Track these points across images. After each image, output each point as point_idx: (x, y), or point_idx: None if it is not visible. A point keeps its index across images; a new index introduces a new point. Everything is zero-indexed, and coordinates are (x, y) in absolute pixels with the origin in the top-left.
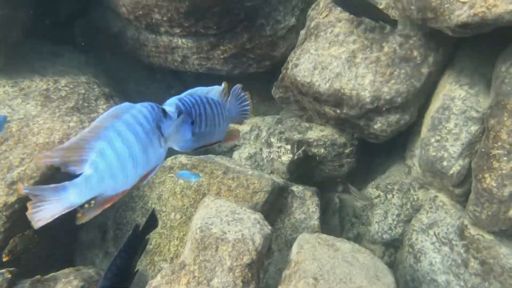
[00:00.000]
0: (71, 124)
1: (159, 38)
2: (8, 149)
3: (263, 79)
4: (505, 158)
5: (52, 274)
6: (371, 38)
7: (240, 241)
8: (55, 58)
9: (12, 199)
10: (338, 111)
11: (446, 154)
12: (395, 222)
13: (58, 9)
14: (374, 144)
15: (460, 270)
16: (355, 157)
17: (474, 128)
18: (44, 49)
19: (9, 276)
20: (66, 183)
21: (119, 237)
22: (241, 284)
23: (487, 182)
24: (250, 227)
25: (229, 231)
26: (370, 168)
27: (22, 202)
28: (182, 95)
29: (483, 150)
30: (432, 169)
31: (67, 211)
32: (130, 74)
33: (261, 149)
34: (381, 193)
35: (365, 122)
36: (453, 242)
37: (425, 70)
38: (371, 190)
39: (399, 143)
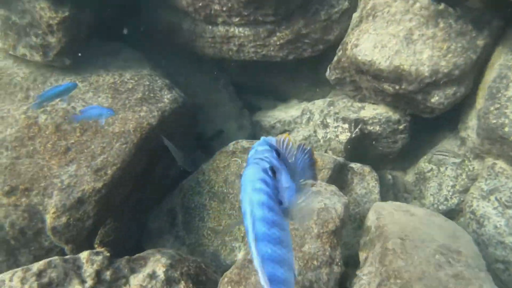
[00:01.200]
0: (142, 113)
1: (215, 28)
2: (88, 139)
3: (309, 64)
4: None
5: (137, 255)
6: (426, 16)
7: (323, 210)
8: (115, 55)
9: (99, 184)
10: (397, 87)
11: (507, 121)
12: (450, 193)
13: (114, 8)
14: (423, 121)
15: None
16: (408, 133)
17: None
18: (104, 47)
19: (108, 254)
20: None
21: (188, 221)
22: (329, 249)
23: None
24: (330, 197)
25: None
26: (420, 145)
27: (109, 187)
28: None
29: None
30: (492, 136)
31: None
32: (179, 68)
33: (315, 131)
34: (434, 167)
35: (422, 96)
36: None
37: (480, 42)
38: (423, 164)
39: (447, 119)
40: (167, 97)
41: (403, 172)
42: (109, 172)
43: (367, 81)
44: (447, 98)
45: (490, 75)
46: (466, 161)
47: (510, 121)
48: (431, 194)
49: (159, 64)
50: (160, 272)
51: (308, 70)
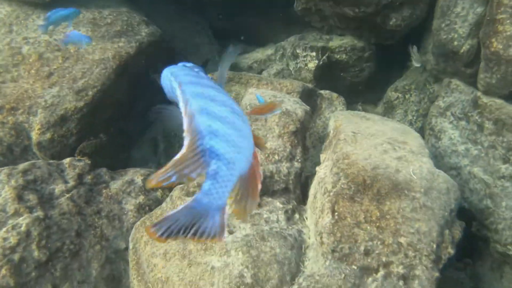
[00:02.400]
0: (120, 44)
1: None
2: (70, 66)
3: (283, 3)
4: (508, 21)
5: (119, 170)
6: None
7: (284, 114)
8: None
9: (81, 104)
10: (356, 10)
11: (456, 35)
12: (414, 118)
13: None
14: (390, 55)
15: (476, 136)
16: (374, 62)
17: (480, 9)
18: None
19: (89, 162)
20: (196, 196)
21: (169, 149)
22: (290, 147)
23: (494, 46)
24: (292, 105)
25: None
26: (388, 77)
27: (90, 107)
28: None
29: (488, 18)
30: (444, 52)
31: (224, 221)
32: (160, 12)
33: (287, 64)
34: (400, 95)
35: (381, 19)
36: (469, 114)
37: None
38: (390, 93)
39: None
40: (144, 31)
41: (373, 105)
42: (90, 93)
43: (330, 6)
44: (404, 20)
45: None
46: (427, 85)
47: (459, 35)
48: (398, 121)
49: (140, 6)
50: (138, 179)
51: (282, 11)
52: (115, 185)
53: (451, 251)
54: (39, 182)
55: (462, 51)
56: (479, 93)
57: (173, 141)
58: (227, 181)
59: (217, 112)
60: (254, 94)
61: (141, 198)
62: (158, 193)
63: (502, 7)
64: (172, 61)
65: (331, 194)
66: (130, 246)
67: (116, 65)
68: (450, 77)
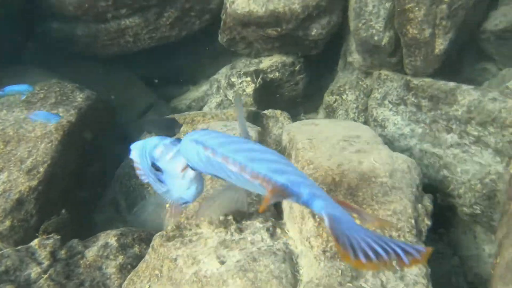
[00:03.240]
0: (59, 114)
1: (108, 25)
2: (13, 148)
3: (206, 39)
4: (417, 8)
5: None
6: None
7: None
8: (21, 75)
9: (34, 182)
10: (279, 29)
11: (374, 31)
12: (356, 114)
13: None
14: (319, 64)
15: (417, 116)
16: (306, 73)
17: (388, 4)
18: (8, 71)
19: (58, 237)
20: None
21: (131, 204)
22: None
23: (410, 32)
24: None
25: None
26: (322, 84)
27: (44, 183)
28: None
29: (398, 9)
30: (367, 48)
31: None
32: (87, 74)
33: (225, 95)
34: (337, 97)
35: (303, 32)
36: (405, 98)
37: None
38: (327, 98)
39: (337, 57)
40: (80, 97)
41: (315, 113)
42: (41, 169)
43: (253, 31)
44: (323, 28)
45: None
46: (360, 81)
47: (377, 30)
48: (343, 120)
49: (66, 75)
50: (113, 241)
51: (207, 45)
52: (91, 253)
53: (428, 222)
54: (12, 272)
55: (383, 43)
56: (408, 77)
57: (133, 195)
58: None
59: (262, 156)
60: (203, 127)
61: (120, 258)
62: (136, 249)
63: None
64: (113, 119)
65: None
66: None
67: (60, 136)
68: (378, 69)
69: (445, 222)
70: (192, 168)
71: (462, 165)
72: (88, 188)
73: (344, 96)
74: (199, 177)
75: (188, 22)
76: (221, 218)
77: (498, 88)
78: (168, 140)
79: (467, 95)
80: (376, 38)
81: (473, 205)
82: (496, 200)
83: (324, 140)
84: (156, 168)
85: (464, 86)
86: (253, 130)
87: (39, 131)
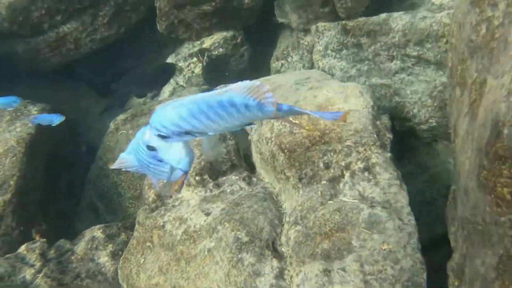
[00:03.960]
0: (18, 129)
1: (46, 36)
2: None
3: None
4: None
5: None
6: None
7: None
8: None
9: (8, 196)
10: (213, 3)
11: None
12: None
13: None
14: (260, 36)
15: (359, 55)
16: (249, 44)
17: None
18: None
19: (44, 240)
20: None
21: (108, 204)
22: None
23: None
24: None
25: None
26: (266, 52)
27: (18, 195)
28: None
29: None
30: (300, 2)
31: None
32: (37, 90)
33: (176, 82)
34: (282, 61)
35: (237, 2)
36: (345, 42)
37: None
38: (274, 64)
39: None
40: (34, 110)
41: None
42: (12, 182)
43: (189, 11)
44: None
45: None
46: (301, 40)
47: None
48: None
49: (14, 93)
50: (98, 233)
51: (149, 40)
52: (80, 248)
53: (389, 135)
54: (6, 278)
55: None
56: (344, 22)
57: (108, 195)
58: None
59: None
60: None
61: (110, 247)
62: (123, 236)
63: None
64: (71, 128)
65: (273, 138)
66: (124, 286)
67: (23, 149)
68: (314, 22)
69: (408, 146)
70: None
71: (410, 87)
72: (64, 198)
73: (289, 59)
74: (187, 144)
75: (124, 17)
76: (197, 178)
77: (426, 8)
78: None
79: (399, 20)
80: None
81: (429, 120)
82: (446, 109)
83: (278, 88)
84: (151, 148)
85: (395, 14)
86: None
87: (0, 148)
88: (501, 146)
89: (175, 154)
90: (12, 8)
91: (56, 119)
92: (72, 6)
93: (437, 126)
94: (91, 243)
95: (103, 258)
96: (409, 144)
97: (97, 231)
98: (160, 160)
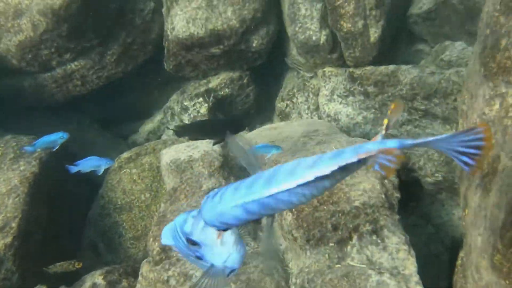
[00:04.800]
0: (22, 168)
1: (54, 73)
2: None
3: (153, 71)
4: (346, 3)
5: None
6: None
7: (206, 154)
8: None
9: (9, 239)
10: (221, 46)
11: (311, 32)
12: (309, 114)
13: None
14: (266, 76)
15: (366, 103)
16: (254, 84)
17: (319, 5)
18: None
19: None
20: None
21: (109, 244)
22: (223, 180)
23: (344, 27)
24: (207, 145)
25: (193, 154)
26: (271, 93)
27: (19, 237)
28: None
29: (330, 8)
30: (308, 49)
31: None
32: (42, 125)
33: (181, 120)
34: (288, 102)
35: (245, 45)
36: (352, 89)
37: None
38: (279, 104)
39: (280, 64)
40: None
41: (270, 122)
42: (14, 225)
43: (197, 53)
44: (263, 38)
45: (285, 7)
46: (307, 83)
47: (314, 31)
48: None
49: (19, 129)
50: (100, 280)
51: (154, 77)
52: None
53: (397, 195)
54: None
55: (321, 42)
56: (351, 69)
57: (110, 235)
58: None
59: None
60: (169, 154)
61: None
62: (124, 283)
63: None
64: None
65: None
66: None
67: (27, 189)
68: (321, 67)
69: (413, 196)
70: (226, 229)
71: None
72: (65, 236)
73: (294, 100)
74: (239, 238)
75: (132, 56)
76: None
77: (434, 62)
78: (194, 211)
79: (407, 74)
80: (314, 38)
81: (435, 174)
82: (453, 164)
83: (286, 140)
84: (192, 242)
85: (404, 66)
86: (216, 147)
87: (3, 187)
88: None
89: (222, 252)
90: (21, 47)
91: (60, 139)
92: (81, 45)
93: (443, 180)
94: None
95: None
96: (414, 193)
97: (98, 277)
98: (200, 258)
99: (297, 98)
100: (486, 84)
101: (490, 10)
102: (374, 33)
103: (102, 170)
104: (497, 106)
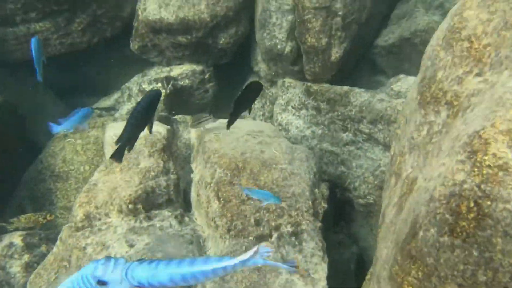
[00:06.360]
0: None
1: (16, 29)
2: None
3: (117, 49)
4: (314, 19)
5: None
6: None
7: (149, 135)
8: None
9: None
10: (189, 36)
11: (277, 40)
12: (263, 121)
13: None
14: (229, 78)
15: (317, 118)
16: (215, 81)
17: (290, 17)
18: None
19: None
20: None
21: (39, 209)
22: (162, 162)
23: (309, 41)
24: (154, 127)
25: None
26: (230, 93)
27: None
28: None
29: (298, 20)
30: (272, 56)
31: None
32: None
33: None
34: None
35: (213, 40)
36: (306, 103)
37: None
38: None
39: (245, 67)
40: None
41: None
42: None
43: (164, 38)
44: (231, 37)
45: (258, 12)
46: (266, 90)
47: (280, 40)
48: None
49: None
50: (18, 241)
51: (118, 55)
52: None
53: (324, 205)
54: None
55: (286, 52)
56: (309, 84)
57: (41, 201)
58: None
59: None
60: (114, 127)
61: (26, 257)
62: (43, 248)
63: (306, 9)
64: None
65: (212, 184)
66: None
67: None
68: (282, 77)
69: (345, 216)
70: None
71: (356, 161)
72: None
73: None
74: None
75: (100, 28)
76: (130, 206)
77: (385, 91)
78: (102, 260)
79: (359, 96)
80: (279, 47)
81: (367, 196)
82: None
83: (230, 135)
84: (102, 283)
85: (357, 89)
86: (161, 127)
87: None
88: (415, 246)
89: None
90: None
91: (89, 113)
92: (49, 7)
93: (373, 204)
94: (6, 250)
95: (16, 268)
96: (346, 213)
97: (17, 238)
98: None
99: (254, 104)
100: (418, 112)
101: (434, 44)
102: (335, 53)
103: (87, 123)
104: (424, 132)
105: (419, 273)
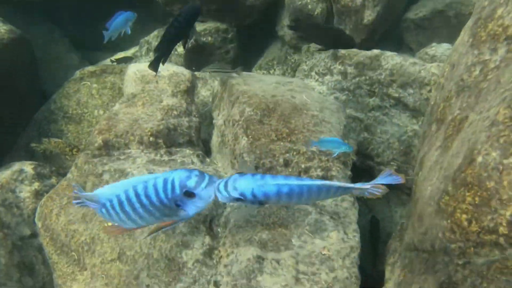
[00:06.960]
0: None
1: None
2: None
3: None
4: None
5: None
6: None
7: (174, 75)
8: None
9: None
10: None
11: (308, 0)
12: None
13: None
14: (250, 38)
15: (342, 84)
16: (237, 43)
17: None
18: None
19: None
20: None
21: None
22: (185, 104)
23: (343, 0)
24: (177, 68)
25: (162, 71)
26: (251, 58)
27: None
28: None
29: None
30: (301, 16)
31: None
32: (10, 20)
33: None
34: (264, 72)
35: None
36: (331, 68)
37: None
38: (256, 72)
39: (271, 32)
40: (3, 28)
41: None
42: None
43: None
44: None
45: None
46: (288, 56)
47: (311, 0)
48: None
49: None
50: (29, 168)
51: (141, 9)
52: (3, 175)
53: (353, 157)
54: None
55: (316, 12)
56: None
57: None
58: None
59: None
60: (137, 66)
61: (36, 185)
62: (53, 180)
63: None
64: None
65: (241, 122)
66: (39, 225)
67: None
68: (307, 43)
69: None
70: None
71: (381, 127)
72: (3, 131)
73: (271, 71)
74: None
75: None
76: (151, 139)
77: (418, 56)
78: (196, 171)
79: (390, 60)
80: (310, 7)
81: (391, 162)
82: (411, 155)
83: (258, 82)
84: (189, 194)
85: (388, 52)
86: (186, 70)
87: None
88: (471, 172)
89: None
90: None
91: (132, 16)
92: None
93: (397, 170)
94: (17, 174)
95: (25, 193)
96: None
97: (28, 166)
98: (178, 205)
99: (274, 70)
100: (470, 53)
101: None
102: (368, 16)
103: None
104: (476, 72)
105: (476, 198)
